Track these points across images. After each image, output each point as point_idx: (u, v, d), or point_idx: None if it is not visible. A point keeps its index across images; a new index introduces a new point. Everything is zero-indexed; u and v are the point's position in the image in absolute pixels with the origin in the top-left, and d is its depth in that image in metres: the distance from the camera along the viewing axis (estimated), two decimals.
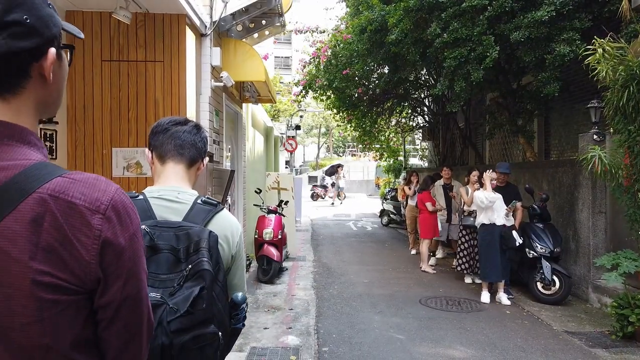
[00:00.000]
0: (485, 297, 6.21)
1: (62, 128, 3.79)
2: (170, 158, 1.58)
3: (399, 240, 11.77)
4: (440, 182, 8.55)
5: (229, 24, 4.65)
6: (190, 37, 3.96)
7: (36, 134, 0.84)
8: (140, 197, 1.50)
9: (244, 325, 1.52)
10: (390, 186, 18.33)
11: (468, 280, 7.17)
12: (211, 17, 4.34)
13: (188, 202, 1.52)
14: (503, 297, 6.16)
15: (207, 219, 1.49)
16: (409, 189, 9.69)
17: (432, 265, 8.21)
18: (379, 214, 15.55)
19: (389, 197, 15.12)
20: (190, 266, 1.32)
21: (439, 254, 9.21)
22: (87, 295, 0.79)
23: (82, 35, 0.94)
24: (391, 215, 14.39)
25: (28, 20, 0.77)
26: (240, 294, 1.52)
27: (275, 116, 23.95)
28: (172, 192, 1.53)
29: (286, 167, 21.18)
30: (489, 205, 6.07)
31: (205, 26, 4.30)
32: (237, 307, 1.49)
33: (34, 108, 0.84)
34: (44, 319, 0.74)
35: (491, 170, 6.38)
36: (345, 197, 23.33)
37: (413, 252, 9.66)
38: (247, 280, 7.09)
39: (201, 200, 1.54)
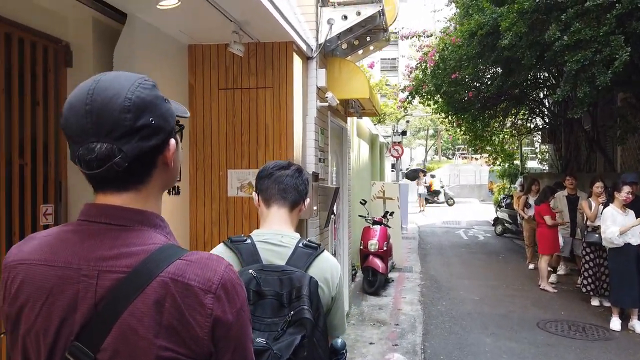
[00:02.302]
0: (615, 323, 5.58)
1: (185, 152, 4.17)
2: (275, 202, 1.68)
3: (514, 252, 11.05)
4: (564, 192, 7.85)
5: (334, 45, 4.75)
6: (297, 62, 4.12)
7: (160, 214, 0.95)
8: (248, 241, 1.61)
9: None
10: (505, 192, 17.27)
11: (595, 302, 6.50)
12: (317, 40, 4.47)
13: (290, 245, 1.60)
14: (637, 325, 5.49)
15: (308, 263, 1.56)
16: (526, 199, 9.03)
17: (552, 283, 7.58)
18: (492, 222, 14.74)
19: (503, 204, 14.27)
20: (292, 312, 1.39)
21: (561, 270, 8.45)
22: None
23: (188, 115, 1.05)
24: (506, 224, 13.56)
25: (153, 122, 0.88)
26: (340, 340, 1.56)
27: (381, 120, 23.89)
28: (276, 235, 1.62)
29: (392, 171, 20.97)
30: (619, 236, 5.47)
31: (312, 49, 4.44)
32: (337, 352, 1.54)
33: (159, 191, 0.96)
34: None
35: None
36: (425, 205, 22.42)
37: (531, 266, 9.00)
38: (353, 290, 7.17)
39: (302, 244, 1.61)
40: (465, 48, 8.81)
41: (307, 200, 1.78)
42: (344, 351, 1.54)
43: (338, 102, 4.74)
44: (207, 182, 4.15)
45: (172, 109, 0.96)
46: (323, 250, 1.64)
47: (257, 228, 1.71)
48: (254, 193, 1.77)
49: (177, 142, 0.98)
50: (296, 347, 1.33)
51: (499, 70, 9.88)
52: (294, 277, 1.45)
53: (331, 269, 1.61)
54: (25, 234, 2.94)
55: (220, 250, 1.63)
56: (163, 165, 0.93)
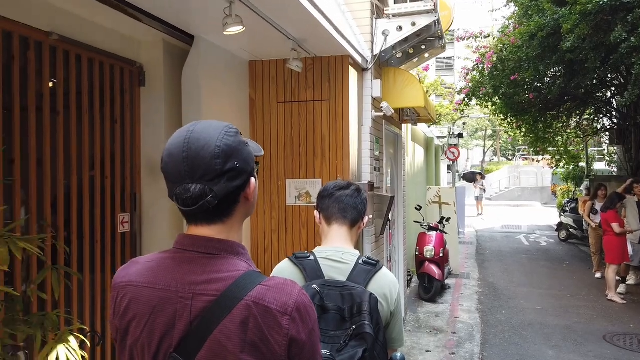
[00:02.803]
0: None
1: None
2: (335, 220, 1.80)
3: (580, 259, 10.56)
4: (634, 198, 7.44)
5: (388, 55, 4.81)
6: (352, 74, 4.23)
7: (241, 242, 1.09)
8: (311, 257, 1.73)
9: None
10: (570, 196, 16.50)
11: None
12: (372, 51, 4.55)
13: (351, 262, 1.70)
14: None
15: (368, 279, 1.66)
16: (592, 205, 8.63)
17: (621, 294, 7.20)
18: (555, 227, 14.14)
19: (568, 208, 13.64)
20: (354, 327, 1.50)
21: (631, 280, 8.01)
22: None
23: (262, 153, 1.18)
24: (570, 230, 12.96)
25: (238, 165, 1.03)
26: (399, 354, 1.65)
27: (437, 121, 23.45)
28: (337, 252, 1.73)
29: (448, 172, 20.56)
30: None
31: (367, 61, 4.53)
32: None
33: (241, 221, 1.11)
34: None
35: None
36: (482, 207, 21.59)
37: (597, 275, 8.59)
38: (409, 296, 7.16)
39: (362, 261, 1.71)
40: (524, 49, 8.56)
41: (366, 219, 1.89)
42: None
43: (393, 111, 4.80)
44: (267, 191, 4.33)
45: (252, 152, 1.10)
46: (382, 267, 1.74)
47: (314, 236, 1.84)
48: (315, 212, 1.89)
49: (255, 179, 1.11)
50: (358, 359, 1.43)
51: (562, 71, 9.51)
52: (355, 293, 1.56)
53: (390, 285, 1.70)
54: (106, 239, 3.24)
55: (285, 265, 1.76)
56: (245, 200, 1.08)
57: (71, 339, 1.97)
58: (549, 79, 10.28)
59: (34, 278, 2.19)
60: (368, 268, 1.69)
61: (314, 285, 1.59)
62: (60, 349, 1.90)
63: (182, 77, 3.63)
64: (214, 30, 3.49)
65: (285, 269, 1.73)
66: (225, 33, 2.78)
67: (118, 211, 3.37)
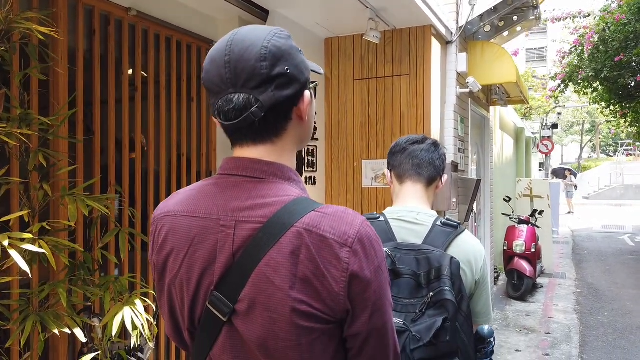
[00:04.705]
0: None
1: (321, 144, 4.25)
2: (409, 177, 1.57)
3: None
4: None
5: (475, 27, 4.44)
6: (435, 46, 3.94)
7: (294, 169, 0.93)
8: (381, 218, 1.52)
9: None
10: None
11: None
12: (457, 22, 4.21)
13: (427, 223, 1.48)
14: None
15: (448, 243, 1.43)
16: None
17: None
18: None
19: None
20: (432, 293, 1.28)
21: None
22: (337, 324, 0.83)
23: (322, 72, 1.00)
24: None
25: (289, 71, 0.85)
26: (487, 327, 1.39)
27: (527, 114, 21.93)
28: (411, 213, 1.51)
29: (540, 170, 19.17)
30: None
31: (451, 33, 4.21)
32: (484, 340, 1.38)
33: (294, 146, 0.93)
34: (302, 345, 0.80)
35: None
36: (573, 206, 19.75)
37: None
38: (496, 294, 6.67)
39: (441, 222, 1.48)
40: (633, 24, 7.66)
41: (445, 177, 1.64)
42: (492, 339, 1.37)
43: (480, 87, 4.42)
44: (342, 173, 4.17)
45: (307, 62, 0.93)
46: (464, 230, 1.49)
47: None
48: (385, 170, 1.68)
49: (311, 97, 0.94)
50: (437, 329, 1.21)
51: None
52: (432, 256, 1.34)
53: (474, 251, 1.45)
54: None
55: None
56: (297, 118, 0.91)
57: (137, 302, 1.93)
58: None
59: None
60: (448, 230, 1.45)
61: (384, 249, 1.38)
62: (127, 310, 1.86)
63: None
64: (289, 2, 3.39)
65: None
66: None
67: None
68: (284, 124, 0.89)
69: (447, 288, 1.26)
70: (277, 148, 0.90)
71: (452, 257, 1.33)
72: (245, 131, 0.88)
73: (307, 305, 0.79)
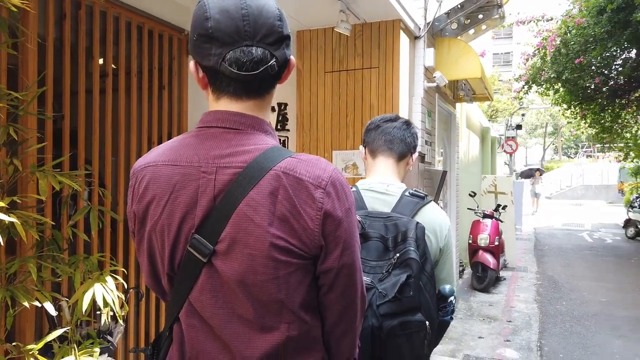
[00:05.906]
0: None
1: (293, 135, 4.31)
2: (381, 152, 1.65)
3: None
4: None
5: (442, 23, 4.58)
6: (404, 40, 4.05)
7: (271, 124, 0.99)
8: (353, 189, 1.60)
9: (452, 318, 1.49)
10: (639, 192, 15.37)
11: None
12: (425, 18, 4.34)
13: (396, 194, 1.56)
14: None
15: (415, 211, 1.51)
16: None
17: None
18: (622, 225, 13.20)
19: (637, 204, 12.70)
20: (397, 255, 1.36)
21: None
22: (311, 260, 0.90)
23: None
24: (639, 226, 12.09)
25: (289, 35, 0.93)
26: (448, 287, 1.49)
27: (493, 116, 22.49)
28: (382, 184, 1.59)
29: (506, 164, 19.67)
30: None
31: (419, 28, 4.33)
32: (445, 299, 1.46)
33: (270, 104, 1.00)
34: (279, 277, 0.87)
35: None
36: (539, 205, 20.44)
37: None
38: (461, 287, 6.86)
39: (409, 193, 1.57)
40: (592, 27, 8.01)
41: (416, 155, 1.73)
42: (453, 298, 1.46)
43: (447, 81, 4.56)
44: None
45: None
46: (430, 201, 1.58)
47: None
48: (360, 147, 1.75)
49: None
50: (401, 285, 1.29)
51: (633, 52, 8.82)
52: (399, 222, 1.42)
53: (440, 220, 1.54)
54: None
55: None
56: (283, 79, 0.98)
57: (108, 279, 1.94)
58: (618, 61, 9.57)
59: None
60: (415, 200, 1.54)
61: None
62: (97, 287, 1.87)
63: None
64: None
65: None
66: None
67: None
68: (275, 82, 0.96)
69: (411, 248, 1.34)
70: (263, 104, 0.96)
71: (417, 222, 1.41)
72: (248, 84, 0.92)
73: (284, 241, 0.86)
